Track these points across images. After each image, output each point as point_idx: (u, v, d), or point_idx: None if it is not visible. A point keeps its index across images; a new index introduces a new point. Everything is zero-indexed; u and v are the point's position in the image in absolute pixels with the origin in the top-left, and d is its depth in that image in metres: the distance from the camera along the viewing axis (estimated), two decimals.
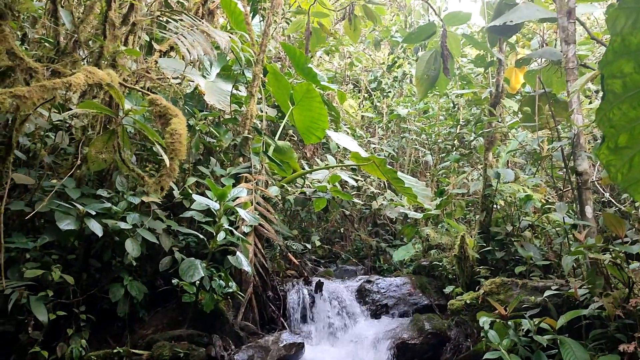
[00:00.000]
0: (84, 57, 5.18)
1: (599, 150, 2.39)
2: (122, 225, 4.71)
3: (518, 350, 3.48)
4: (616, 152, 2.37)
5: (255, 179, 6.03)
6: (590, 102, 7.37)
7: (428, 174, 10.93)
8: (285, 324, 5.80)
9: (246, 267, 4.93)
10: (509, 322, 3.69)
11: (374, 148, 10.55)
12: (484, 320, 3.75)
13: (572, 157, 4.63)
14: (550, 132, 6.02)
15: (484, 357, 3.53)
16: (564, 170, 5.31)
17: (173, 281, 5.08)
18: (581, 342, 3.54)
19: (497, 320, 3.75)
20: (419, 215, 7.63)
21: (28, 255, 4.58)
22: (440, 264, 6.69)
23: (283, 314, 5.95)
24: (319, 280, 6.40)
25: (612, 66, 2.31)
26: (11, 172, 4.42)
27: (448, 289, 5.92)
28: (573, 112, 4.45)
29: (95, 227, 4.51)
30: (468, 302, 4.89)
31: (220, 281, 4.97)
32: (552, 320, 3.63)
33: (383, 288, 6.62)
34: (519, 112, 6.01)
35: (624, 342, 3.42)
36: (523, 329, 3.61)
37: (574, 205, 5.45)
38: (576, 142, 4.52)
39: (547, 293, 4.10)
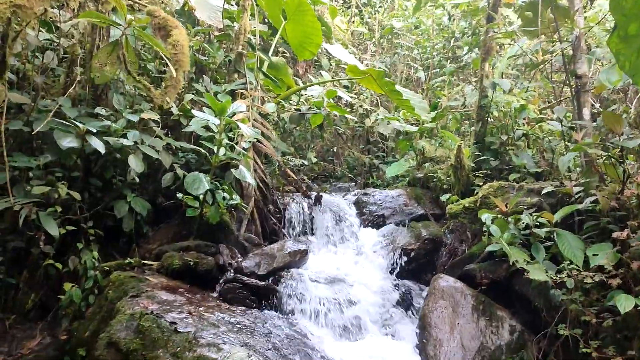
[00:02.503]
0: None
1: (610, 38, 2.42)
2: (124, 141, 4.72)
3: (517, 243, 3.66)
4: (626, 40, 2.39)
5: (251, 96, 5.99)
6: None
7: (420, 90, 10.89)
8: (286, 235, 5.98)
9: (249, 179, 5.01)
10: (509, 218, 3.85)
11: (366, 64, 10.42)
12: (485, 216, 3.91)
13: (572, 61, 4.65)
14: (548, 40, 5.99)
15: (486, 250, 3.71)
16: (563, 76, 5.33)
17: (178, 195, 5.16)
18: (575, 235, 3.72)
19: (498, 216, 3.91)
20: (414, 129, 7.69)
21: (31, 174, 4.61)
22: (435, 175, 6.82)
23: (284, 226, 6.12)
24: (318, 193, 6.54)
25: None
26: (7, 90, 4.35)
27: (444, 197, 6.10)
28: (576, 12, 4.41)
29: (98, 144, 4.51)
30: (466, 205, 5.06)
31: (224, 194, 5.06)
32: (549, 214, 3.80)
33: (379, 200, 6.79)
34: (518, 19, 5.94)
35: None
36: (522, 223, 3.78)
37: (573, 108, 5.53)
38: (577, 45, 4.52)
39: (545, 191, 4.25)
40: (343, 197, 7.03)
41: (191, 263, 4.56)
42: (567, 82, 5.11)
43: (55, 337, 4.33)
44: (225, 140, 5.01)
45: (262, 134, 5.89)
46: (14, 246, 4.51)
